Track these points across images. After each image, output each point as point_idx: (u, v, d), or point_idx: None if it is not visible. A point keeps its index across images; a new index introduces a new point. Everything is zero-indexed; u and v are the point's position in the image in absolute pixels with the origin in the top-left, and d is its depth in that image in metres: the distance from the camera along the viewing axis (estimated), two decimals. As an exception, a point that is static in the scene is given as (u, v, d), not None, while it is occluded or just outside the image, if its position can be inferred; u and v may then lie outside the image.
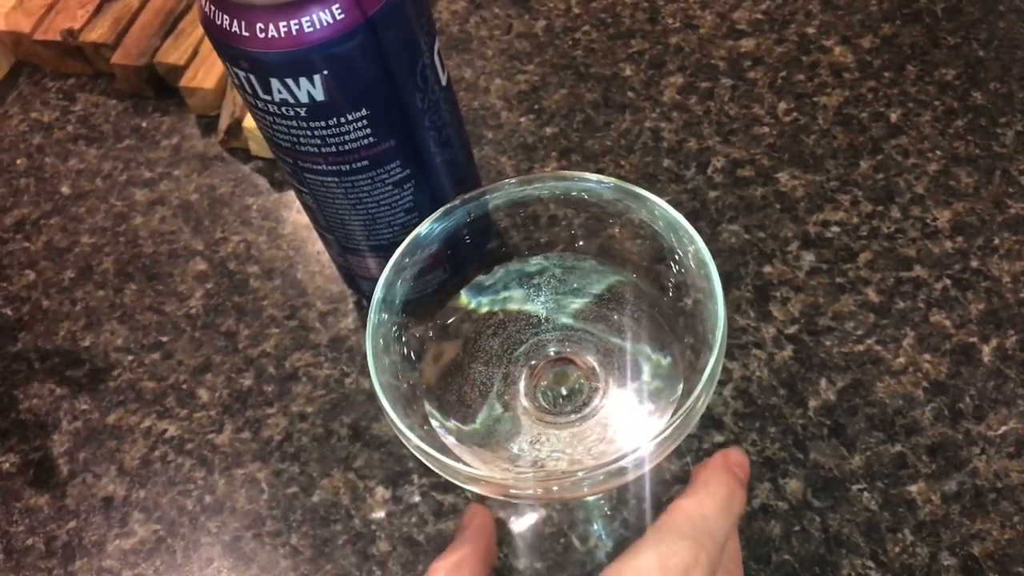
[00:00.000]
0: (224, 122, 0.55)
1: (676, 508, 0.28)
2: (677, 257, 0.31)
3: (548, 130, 0.53)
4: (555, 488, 0.29)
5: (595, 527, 0.40)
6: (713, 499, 0.28)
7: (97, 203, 0.55)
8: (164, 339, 0.49)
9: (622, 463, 0.27)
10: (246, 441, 0.45)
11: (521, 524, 0.41)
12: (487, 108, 0.55)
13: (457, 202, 0.33)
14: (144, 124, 0.59)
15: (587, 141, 0.52)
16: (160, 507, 0.43)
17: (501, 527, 0.40)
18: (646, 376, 0.33)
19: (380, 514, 0.42)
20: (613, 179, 0.31)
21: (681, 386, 0.31)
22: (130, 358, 0.48)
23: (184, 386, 0.47)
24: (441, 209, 0.32)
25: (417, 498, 0.42)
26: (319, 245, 0.51)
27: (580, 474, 0.27)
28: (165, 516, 0.43)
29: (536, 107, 0.54)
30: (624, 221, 0.33)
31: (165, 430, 0.46)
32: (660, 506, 0.40)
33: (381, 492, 0.42)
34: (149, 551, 0.42)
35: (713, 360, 0.28)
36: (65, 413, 0.47)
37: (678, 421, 0.27)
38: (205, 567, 0.41)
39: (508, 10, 0.60)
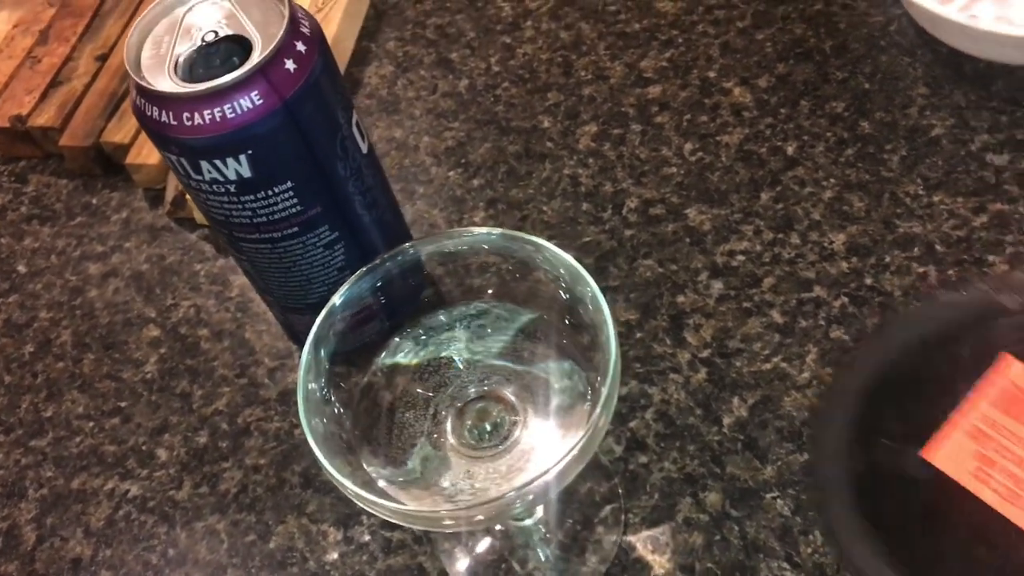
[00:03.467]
0: (170, 194, 0.58)
1: None
2: (576, 294, 0.35)
3: (475, 182, 0.57)
4: (479, 517, 0.32)
5: (533, 551, 0.43)
6: None
7: (53, 279, 0.58)
8: (123, 404, 0.51)
9: (532, 486, 0.30)
10: (204, 495, 0.47)
11: (464, 553, 0.44)
12: (418, 165, 0.58)
13: (365, 268, 0.36)
14: (94, 201, 0.62)
15: (511, 190, 0.56)
16: (126, 564, 0.46)
17: (448, 557, 0.43)
18: (559, 405, 0.37)
19: (334, 555, 0.44)
20: (502, 229, 0.35)
21: (588, 410, 0.34)
22: (91, 424, 0.51)
23: (144, 447, 0.50)
24: (355, 274, 0.36)
25: (367, 537, 0.45)
26: (264, 305, 0.54)
27: (501, 500, 0.31)
28: (131, 572, 0.46)
29: (463, 161, 0.58)
30: (536, 267, 0.37)
31: (128, 490, 0.48)
32: (589, 525, 0.43)
33: (333, 534, 0.45)
34: (117, 606, 0.45)
35: (608, 386, 0.31)
36: (31, 482, 0.49)
37: (583, 442, 0.31)
38: (171, 617, 0.44)
39: (433, 72, 0.63)
